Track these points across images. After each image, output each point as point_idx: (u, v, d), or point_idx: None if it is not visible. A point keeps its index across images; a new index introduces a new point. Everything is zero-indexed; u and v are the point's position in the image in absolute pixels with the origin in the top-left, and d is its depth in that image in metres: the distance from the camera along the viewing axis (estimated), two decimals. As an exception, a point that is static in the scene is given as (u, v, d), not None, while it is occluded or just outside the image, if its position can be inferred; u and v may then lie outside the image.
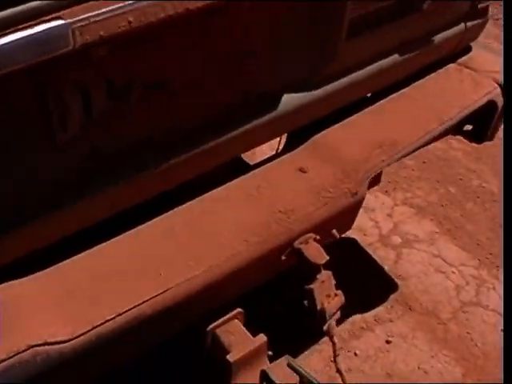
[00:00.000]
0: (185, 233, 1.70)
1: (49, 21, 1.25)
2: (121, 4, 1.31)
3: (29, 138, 1.43)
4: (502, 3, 3.15)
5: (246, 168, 1.95)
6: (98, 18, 1.29)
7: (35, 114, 1.42)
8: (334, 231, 1.86)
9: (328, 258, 1.77)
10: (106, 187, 1.59)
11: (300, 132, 1.96)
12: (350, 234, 2.98)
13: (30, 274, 1.55)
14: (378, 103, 2.12)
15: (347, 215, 1.89)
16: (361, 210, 3.36)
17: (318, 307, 1.79)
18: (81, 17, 1.28)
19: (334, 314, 1.84)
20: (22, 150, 1.43)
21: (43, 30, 1.24)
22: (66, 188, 1.54)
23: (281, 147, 2.17)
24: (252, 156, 2.46)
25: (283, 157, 1.93)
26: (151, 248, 1.65)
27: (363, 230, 3.10)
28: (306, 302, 1.82)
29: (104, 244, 1.65)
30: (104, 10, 1.30)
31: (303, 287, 1.81)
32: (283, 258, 1.76)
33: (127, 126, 1.58)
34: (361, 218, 3.13)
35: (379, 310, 2.73)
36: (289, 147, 1.99)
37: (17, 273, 1.54)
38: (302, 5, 1.72)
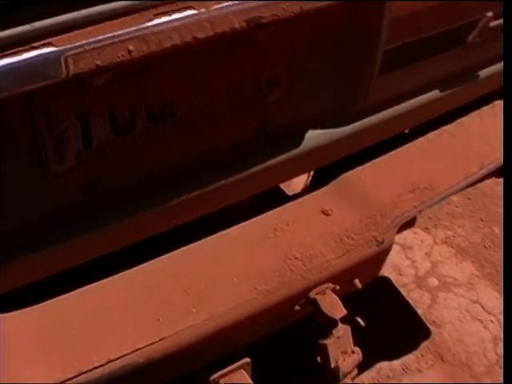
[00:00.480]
0: (190, 275, 1.57)
1: (39, 47, 1.15)
2: (120, 32, 1.20)
3: (20, 168, 1.33)
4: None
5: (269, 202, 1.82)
6: (94, 46, 1.18)
7: (27, 142, 1.31)
8: (356, 281, 1.70)
9: (346, 312, 1.62)
10: (104, 225, 1.48)
11: (327, 169, 1.81)
12: (383, 271, 2.81)
13: (21, 308, 1.45)
14: (414, 141, 1.95)
15: (371, 265, 1.73)
16: (398, 247, 3.22)
17: (332, 365, 1.64)
18: (75, 44, 1.17)
19: (350, 372, 1.68)
20: (12, 181, 1.33)
21: (32, 57, 1.14)
22: (60, 224, 1.43)
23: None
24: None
25: (306, 196, 1.79)
26: (151, 289, 1.52)
27: (398, 269, 2.91)
28: (319, 358, 1.67)
29: (101, 282, 1.53)
30: (101, 37, 1.18)
31: (317, 341, 1.66)
32: (297, 308, 1.61)
33: (130, 159, 1.46)
34: (397, 256, 2.96)
35: (408, 358, 2.55)
36: (314, 185, 1.85)
37: (6, 307, 1.44)
38: (329, 32, 1.58)
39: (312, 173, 2.01)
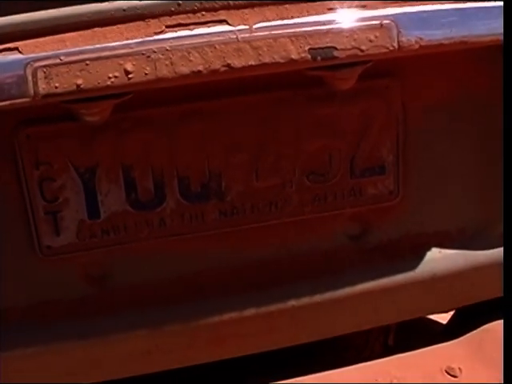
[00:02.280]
0: None
1: None
2: (114, 43, 0.86)
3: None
4: None
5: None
6: (75, 58, 0.85)
7: (8, 200, 0.99)
8: None
9: None
10: (110, 336, 1.07)
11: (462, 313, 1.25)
12: None
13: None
14: None
15: None
16: None
17: None
18: (49, 52, 0.85)
19: None
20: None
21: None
22: (47, 321, 1.06)
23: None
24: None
25: (430, 347, 1.22)
26: None
27: None
28: None
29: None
30: (87, 47, 0.86)
31: None
32: None
33: (156, 248, 1.07)
34: None
35: None
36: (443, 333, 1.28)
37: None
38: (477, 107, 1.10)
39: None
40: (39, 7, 0.85)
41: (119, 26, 0.87)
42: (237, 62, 0.89)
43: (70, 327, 1.07)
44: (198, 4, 0.88)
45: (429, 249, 1.17)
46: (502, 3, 0.97)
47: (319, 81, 0.98)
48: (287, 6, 0.91)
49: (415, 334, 1.40)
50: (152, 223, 1.05)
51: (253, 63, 0.89)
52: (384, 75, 1.05)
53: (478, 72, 1.08)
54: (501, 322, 1.22)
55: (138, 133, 1.00)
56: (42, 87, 0.85)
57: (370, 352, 1.49)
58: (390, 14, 0.93)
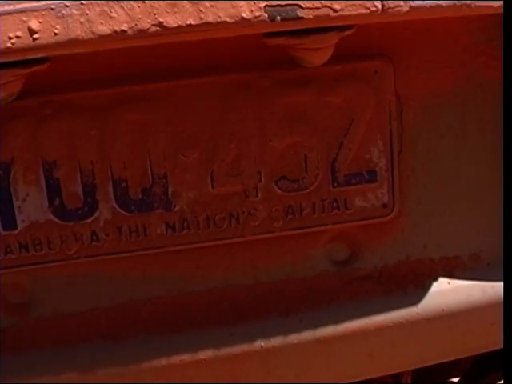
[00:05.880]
0: None
1: None
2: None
3: None
4: None
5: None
6: None
7: None
8: None
9: None
10: (30, 374, 0.86)
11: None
12: None
13: None
14: None
15: None
16: None
17: None
18: None
19: None
20: None
21: None
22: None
23: None
24: None
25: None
26: None
27: None
28: None
29: None
30: None
31: None
32: None
33: (85, 268, 0.86)
34: None
35: None
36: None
37: None
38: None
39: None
40: None
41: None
42: (171, 20, 0.70)
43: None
44: None
45: (435, 279, 0.94)
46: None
47: (286, 57, 0.78)
48: (238, -49, 0.73)
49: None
50: (82, 238, 0.84)
51: (192, 22, 0.70)
52: (372, 56, 0.85)
53: (490, 54, 0.87)
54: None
55: (61, 121, 0.80)
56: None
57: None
58: (371, -34, 0.74)
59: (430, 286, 0.93)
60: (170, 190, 0.84)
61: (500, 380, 0.98)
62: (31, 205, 0.83)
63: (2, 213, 0.83)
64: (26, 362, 0.87)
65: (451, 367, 1.23)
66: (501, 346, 0.97)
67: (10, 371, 0.87)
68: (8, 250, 0.84)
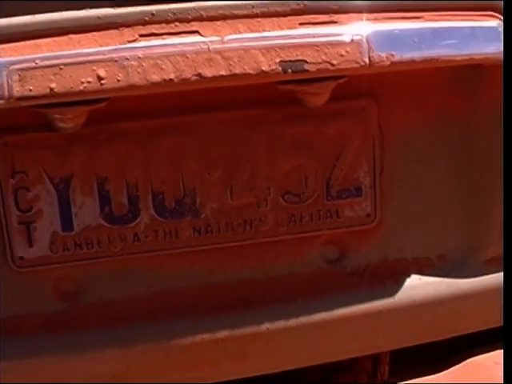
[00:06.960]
0: None
1: (-23, 56, 0.87)
2: (87, 50, 0.88)
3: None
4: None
5: None
6: (49, 63, 0.87)
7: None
8: None
9: None
10: (79, 350, 1.05)
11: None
12: None
13: None
14: None
15: None
16: None
17: None
18: (24, 56, 0.87)
19: None
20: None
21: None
22: (20, 335, 1.04)
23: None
24: None
25: (415, 380, 1.18)
26: None
27: None
28: None
29: None
30: (61, 52, 0.88)
31: None
32: None
33: (130, 264, 1.06)
34: None
35: None
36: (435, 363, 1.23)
37: None
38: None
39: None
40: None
41: (94, 33, 0.89)
42: (207, 72, 0.91)
43: (41, 343, 1.06)
44: (171, 14, 0.91)
45: (408, 275, 1.15)
46: (474, 23, 0.98)
47: (293, 98, 0.99)
48: (259, 19, 0.93)
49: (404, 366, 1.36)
50: (125, 238, 1.05)
51: (223, 73, 0.91)
52: (360, 96, 1.06)
53: (456, 94, 1.09)
54: (485, 355, 1.19)
55: (112, 146, 1.01)
56: (17, 90, 0.87)
57: None
58: (361, 30, 0.95)
59: (404, 281, 1.14)
60: (197, 201, 1.05)
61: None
62: (86, 211, 1.03)
63: (62, 217, 1.02)
64: (75, 340, 1.07)
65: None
66: (461, 332, 1.19)
67: (61, 347, 1.07)
68: (65, 247, 1.04)
